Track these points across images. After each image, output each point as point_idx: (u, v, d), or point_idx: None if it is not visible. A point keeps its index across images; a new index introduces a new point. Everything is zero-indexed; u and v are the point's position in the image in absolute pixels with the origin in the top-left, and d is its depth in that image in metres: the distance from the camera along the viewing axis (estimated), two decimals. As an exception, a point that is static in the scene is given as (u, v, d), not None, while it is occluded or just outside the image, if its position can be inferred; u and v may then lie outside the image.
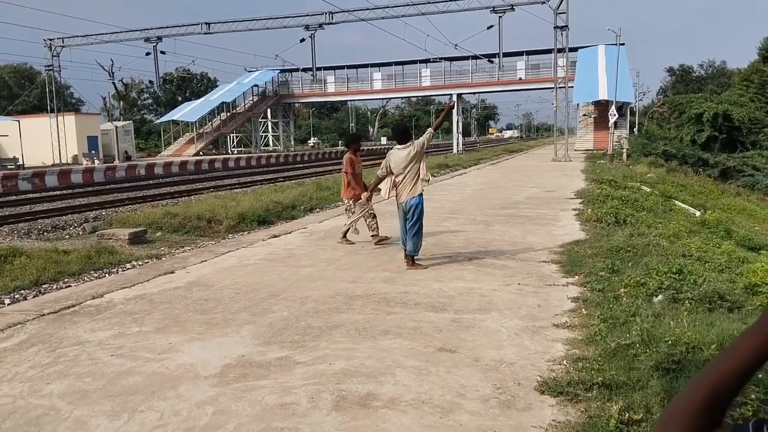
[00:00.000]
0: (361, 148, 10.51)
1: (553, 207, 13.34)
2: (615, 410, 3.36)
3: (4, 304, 6.97)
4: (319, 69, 55.95)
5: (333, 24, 43.61)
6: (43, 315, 5.83)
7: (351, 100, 72.46)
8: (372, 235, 9.47)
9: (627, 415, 3.33)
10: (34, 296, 7.28)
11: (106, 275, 8.33)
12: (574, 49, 44.98)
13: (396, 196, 7.90)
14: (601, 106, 42.82)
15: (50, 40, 45.27)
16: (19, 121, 37.48)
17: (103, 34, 45.52)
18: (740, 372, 0.78)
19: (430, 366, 4.31)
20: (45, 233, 13.28)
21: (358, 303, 6.01)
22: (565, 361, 4.28)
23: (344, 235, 9.55)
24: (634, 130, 49.48)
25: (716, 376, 0.79)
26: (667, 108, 51.04)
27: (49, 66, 45.73)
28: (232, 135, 61.91)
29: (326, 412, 3.62)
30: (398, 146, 7.91)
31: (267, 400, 3.80)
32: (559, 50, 34.55)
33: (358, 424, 3.47)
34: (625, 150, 33.95)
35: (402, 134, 8.12)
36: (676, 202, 17.04)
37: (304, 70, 58.18)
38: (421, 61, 55.50)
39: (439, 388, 3.92)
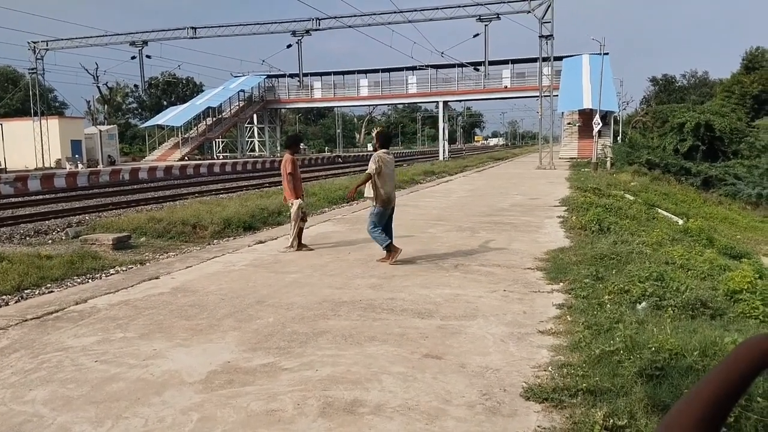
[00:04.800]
0: (301, 150, 10.40)
1: (538, 214, 13.43)
2: (599, 416, 3.39)
3: (-15, 309, 6.88)
4: (305, 75, 55.98)
5: (320, 30, 43.65)
6: (26, 320, 5.76)
7: (338, 107, 72.42)
8: (294, 243, 9.44)
9: (611, 421, 3.36)
10: (16, 301, 7.21)
11: (90, 281, 8.26)
12: (558, 58, 45.36)
13: (387, 200, 8.41)
14: (586, 115, 43.27)
15: (34, 42, 44.89)
16: (1, 125, 37.13)
17: (88, 37, 45.18)
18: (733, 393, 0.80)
19: (416, 372, 4.32)
20: (27, 238, 13.12)
21: (344, 309, 6.01)
22: (550, 368, 4.31)
23: (299, 244, 9.45)
24: (618, 138, 49.97)
25: (714, 387, 0.80)
26: (651, 117, 51.72)
27: (32, 69, 45.36)
28: (217, 140, 61.71)
29: (312, 418, 3.62)
30: (385, 150, 8.58)
31: (253, 406, 3.79)
32: (544, 59, 34.86)
33: (344, 430, 3.46)
34: (608, 158, 34.28)
35: (390, 141, 9.00)
36: (659, 210, 17.24)
37: (291, 75, 58.21)
38: (408, 69, 55.76)
39: (426, 395, 3.93)
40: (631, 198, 17.56)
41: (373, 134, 8.86)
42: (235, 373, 4.34)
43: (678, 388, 3.72)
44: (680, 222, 15.04)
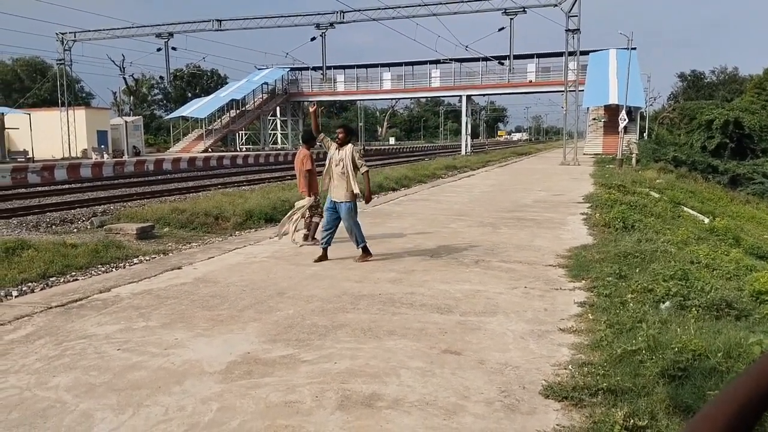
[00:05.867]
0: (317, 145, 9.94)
1: (561, 211, 13.30)
2: (620, 416, 3.34)
3: (11, 296, 7.02)
4: (329, 68, 56.16)
5: (344, 23, 43.73)
6: (51, 308, 5.86)
7: (360, 100, 72.51)
8: (306, 235, 9.39)
9: (632, 421, 3.31)
10: (41, 289, 7.33)
11: (114, 269, 8.37)
12: (585, 53, 44.87)
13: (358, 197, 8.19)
14: (611, 111, 42.71)
15: (62, 34, 45.58)
16: (30, 114, 37.70)
17: (115, 29, 45.78)
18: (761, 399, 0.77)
19: (434, 367, 4.31)
20: (53, 226, 13.34)
21: (363, 303, 6.01)
22: (570, 366, 4.27)
23: (313, 237, 9.36)
24: (644, 135, 49.28)
25: (743, 393, 0.78)
26: (678, 114, 50.87)
27: (60, 60, 46.07)
28: (240, 132, 62.10)
29: (330, 411, 3.63)
30: (352, 144, 8.27)
31: (271, 397, 3.81)
32: (570, 53, 34.45)
33: (362, 423, 3.47)
34: (634, 155, 33.81)
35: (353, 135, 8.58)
36: (685, 208, 16.98)
37: (314, 68, 58.41)
38: (431, 62, 55.54)
39: (444, 390, 3.92)
40: (657, 195, 17.31)
41: (338, 130, 8.22)
42: (255, 364, 4.37)
43: (701, 389, 3.66)
44: (706, 221, 14.79)
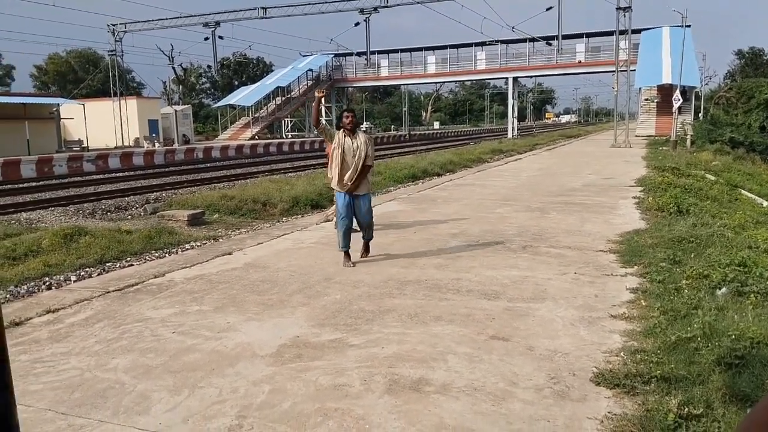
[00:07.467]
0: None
1: (612, 195, 13.01)
2: (674, 404, 3.27)
3: (71, 280, 7.30)
4: (372, 53, 56.05)
5: (388, 7, 43.45)
6: (108, 292, 6.07)
7: (404, 84, 72.05)
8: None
9: (686, 409, 3.24)
10: (98, 274, 7.59)
11: (167, 255, 8.60)
12: (637, 31, 43.46)
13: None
14: (665, 91, 41.35)
15: (113, 25, 46.75)
16: (83, 105, 38.90)
17: (163, 19, 46.71)
18: None
19: (482, 353, 4.29)
20: (108, 213, 13.79)
21: (410, 288, 6.03)
22: (622, 353, 4.19)
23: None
24: (699, 115, 47.57)
25: None
26: (735, 93, 48.81)
27: (112, 51, 47.32)
28: (286, 119, 62.68)
29: (379, 395, 3.66)
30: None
31: (321, 380, 3.87)
32: (621, 32, 33.45)
33: (410, 408, 3.49)
34: (689, 136, 32.66)
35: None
36: (743, 191, 16.35)
37: (358, 54, 58.35)
38: (477, 44, 54.67)
39: (492, 376, 3.90)
40: (713, 178, 16.74)
41: (347, 113, 7.11)
42: (304, 348, 4.44)
43: (759, 378, 3.55)
44: (765, 204, 14.23)
